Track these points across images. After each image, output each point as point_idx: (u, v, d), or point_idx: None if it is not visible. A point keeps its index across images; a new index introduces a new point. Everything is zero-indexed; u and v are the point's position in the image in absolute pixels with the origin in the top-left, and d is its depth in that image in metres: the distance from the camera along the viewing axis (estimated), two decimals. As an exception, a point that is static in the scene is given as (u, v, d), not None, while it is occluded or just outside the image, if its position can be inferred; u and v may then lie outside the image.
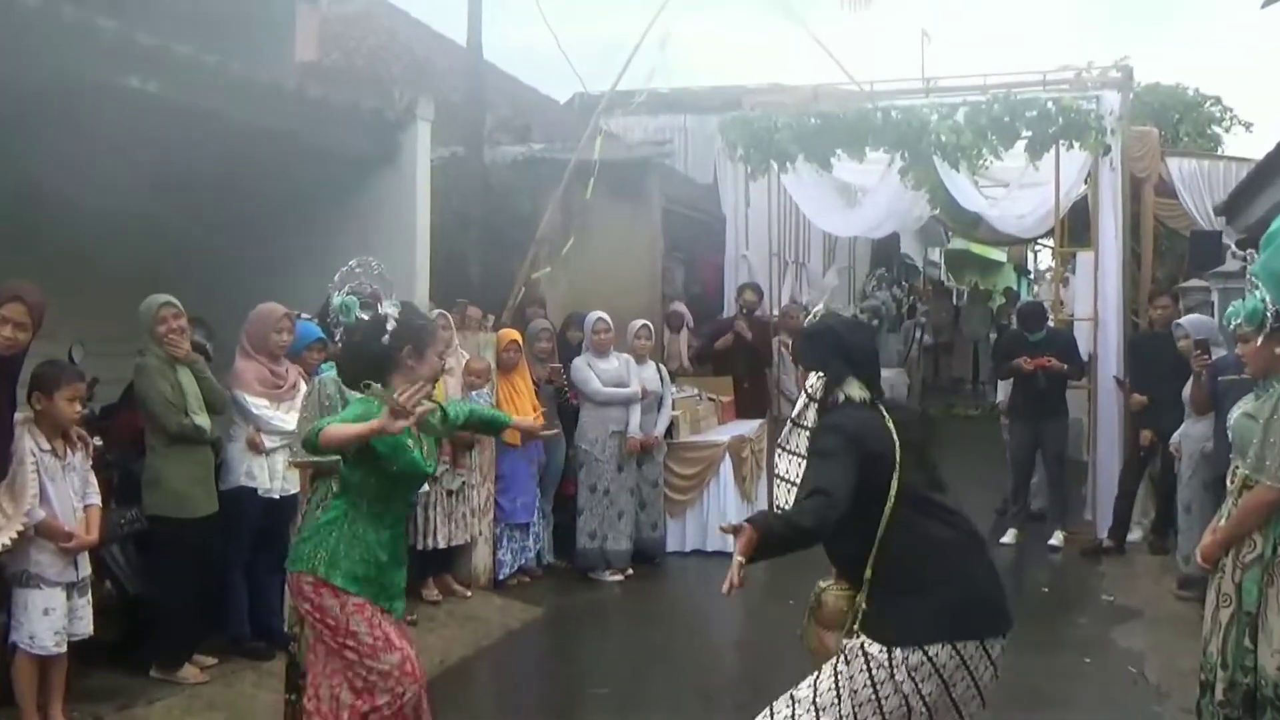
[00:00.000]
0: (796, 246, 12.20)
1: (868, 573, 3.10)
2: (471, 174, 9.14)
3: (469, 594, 7.18)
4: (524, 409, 7.54)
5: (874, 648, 3.06)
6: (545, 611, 7.10)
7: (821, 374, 3.29)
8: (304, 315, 6.06)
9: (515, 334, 7.68)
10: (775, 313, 10.58)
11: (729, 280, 10.79)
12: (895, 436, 3.19)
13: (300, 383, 5.85)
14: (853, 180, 10.58)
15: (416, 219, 7.33)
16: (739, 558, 2.79)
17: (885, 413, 3.27)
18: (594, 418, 7.90)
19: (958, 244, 22.32)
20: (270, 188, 7.14)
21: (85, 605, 4.81)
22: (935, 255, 24.12)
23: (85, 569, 4.83)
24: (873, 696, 3.03)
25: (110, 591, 5.36)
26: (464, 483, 7.09)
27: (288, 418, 5.69)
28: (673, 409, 8.54)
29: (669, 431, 8.52)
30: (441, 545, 6.97)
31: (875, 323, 13.57)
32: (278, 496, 5.77)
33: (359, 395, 3.62)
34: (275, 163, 6.82)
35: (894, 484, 3.09)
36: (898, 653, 3.04)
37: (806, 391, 3.29)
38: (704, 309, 11.38)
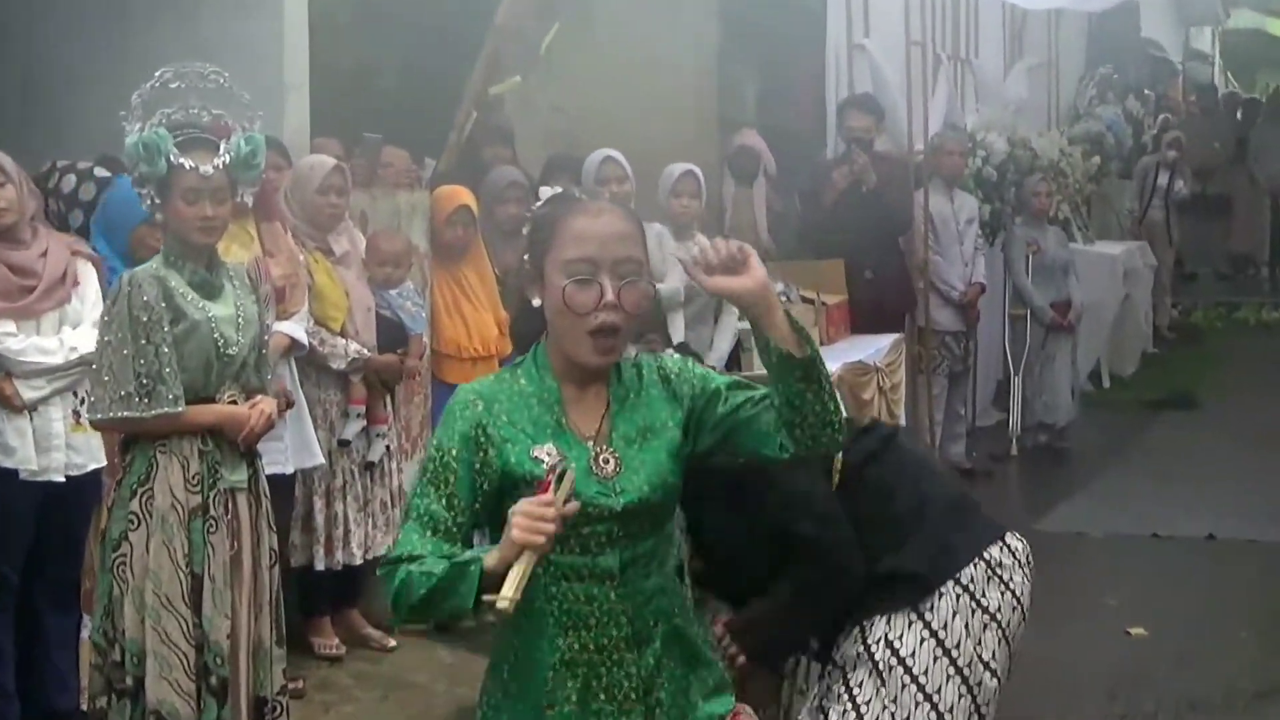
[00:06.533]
0: (955, 31, 12.14)
1: None
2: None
3: (392, 643, 7.30)
4: (481, 326, 7.65)
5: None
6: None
7: None
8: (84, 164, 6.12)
9: (464, 194, 7.74)
10: (919, 147, 10.55)
11: (833, 93, 10.76)
12: None
13: (78, 275, 5.77)
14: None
15: (284, -4, 7.39)
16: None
17: None
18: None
19: (1244, 20, 22.07)
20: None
21: None
22: (1203, 42, 23.85)
23: None
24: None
25: None
26: (387, 449, 7.21)
27: (51, 344, 5.63)
28: (740, 318, 8.57)
29: (734, 357, 8.58)
30: (356, 559, 7.06)
31: (1096, 159, 13.51)
32: (61, 478, 5.75)
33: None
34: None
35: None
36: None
37: None
38: (793, 144, 11.37)
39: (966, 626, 4.21)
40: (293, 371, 6.59)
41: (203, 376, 5.00)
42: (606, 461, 3.29)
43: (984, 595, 4.24)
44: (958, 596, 4.22)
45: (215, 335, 5.01)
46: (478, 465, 3.22)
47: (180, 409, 4.85)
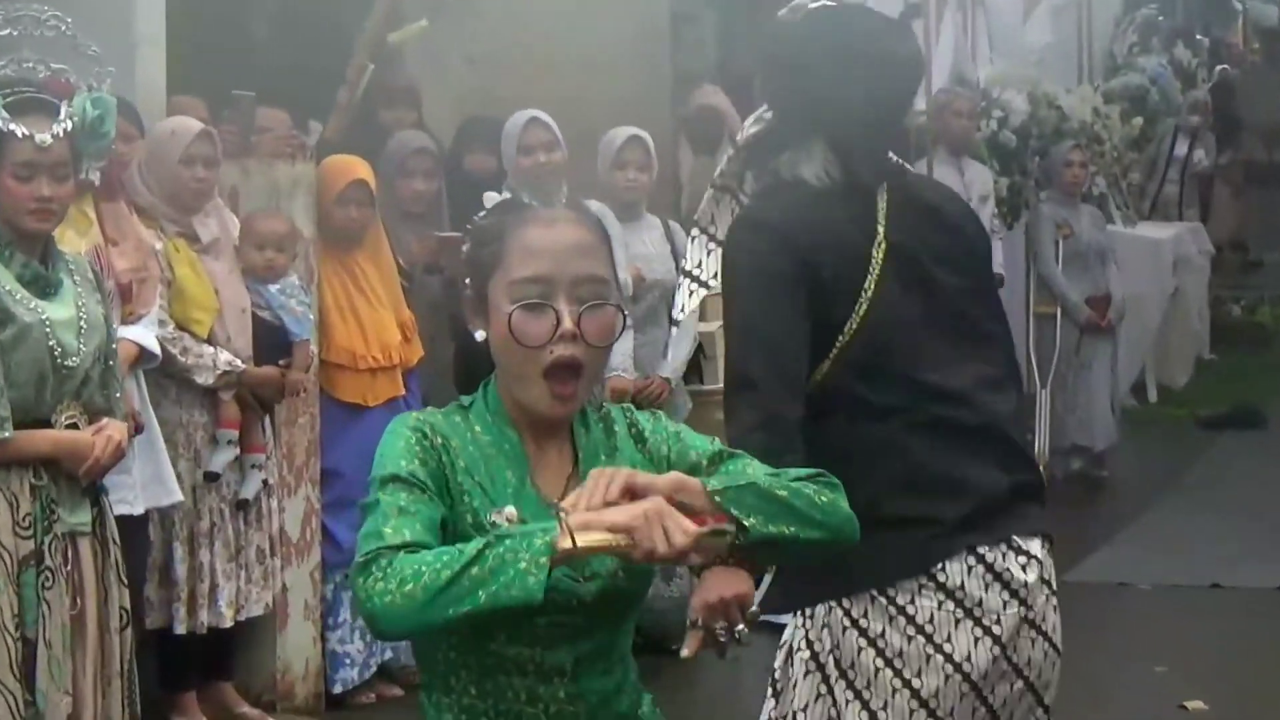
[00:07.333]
0: (964, -40, 12.20)
1: None
2: None
3: (272, 724, 7.35)
4: (379, 329, 7.67)
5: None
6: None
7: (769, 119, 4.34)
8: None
9: (359, 166, 7.76)
10: (921, 106, 10.60)
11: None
12: (881, 228, 4.21)
13: None
14: None
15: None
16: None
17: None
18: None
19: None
20: None
21: None
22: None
23: None
24: None
25: None
26: (265, 483, 7.22)
27: None
28: (701, 318, 8.58)
29: (695, 368, 8.64)
30: (226, 621, 7.05)
31: (1138, 121, 13.57)
32: None
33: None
34: None
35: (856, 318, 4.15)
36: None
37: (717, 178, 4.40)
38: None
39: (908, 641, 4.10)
40: (141, 388, 6.54)
41: (35, 393, 4.98)
42: None
43: (913, 604, 4.10)
44: (873, 598, 4.10)
45: (51, 342, 4.99)
46: (436, 495, 3.08)
47: (7, 434, 4.83)
